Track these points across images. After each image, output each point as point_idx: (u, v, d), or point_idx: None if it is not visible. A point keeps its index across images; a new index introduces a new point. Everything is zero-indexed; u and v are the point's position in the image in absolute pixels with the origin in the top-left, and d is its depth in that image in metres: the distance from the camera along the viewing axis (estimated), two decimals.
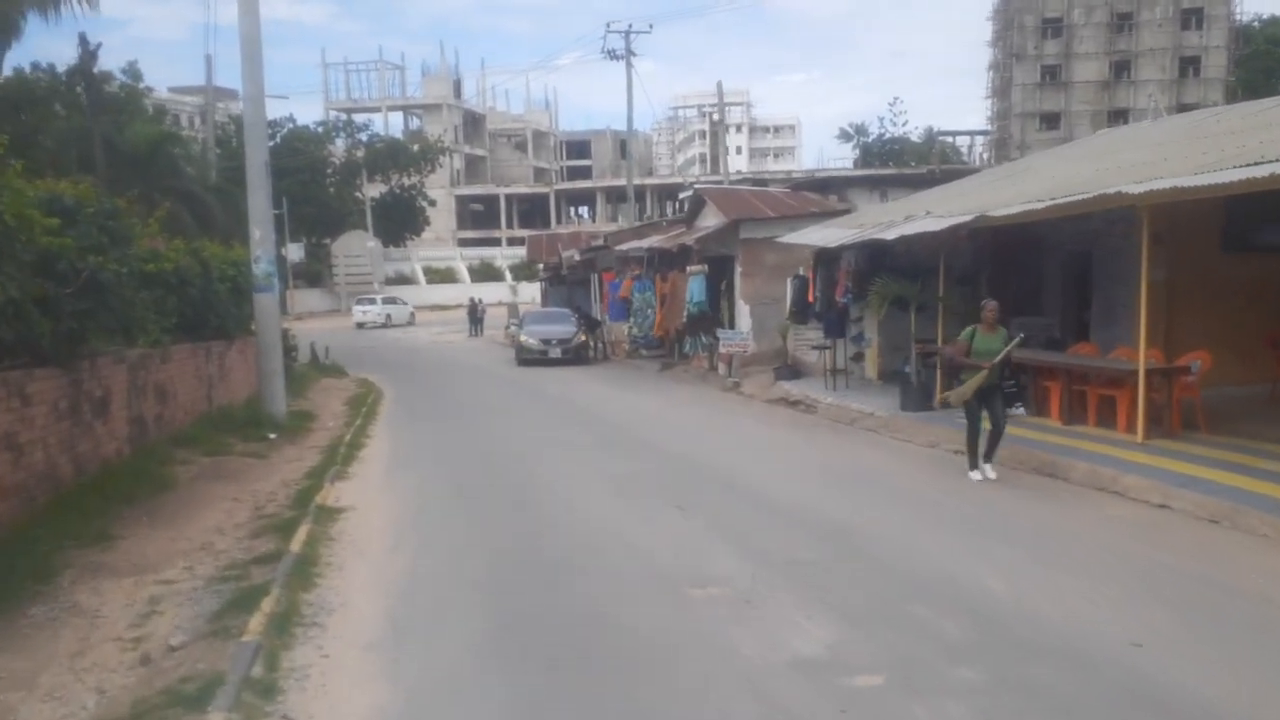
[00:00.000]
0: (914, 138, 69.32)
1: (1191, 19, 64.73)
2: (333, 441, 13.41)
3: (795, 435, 13.50)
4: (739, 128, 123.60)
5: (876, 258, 15.80)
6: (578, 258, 34.55)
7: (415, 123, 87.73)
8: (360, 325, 49.52)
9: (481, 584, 6.73)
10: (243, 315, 16.05)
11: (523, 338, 27.42)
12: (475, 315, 44.00)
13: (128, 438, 10.45)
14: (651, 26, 46.16)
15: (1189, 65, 64.99)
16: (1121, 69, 66.57)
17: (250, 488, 9.96)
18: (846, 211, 20.00)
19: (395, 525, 8.50)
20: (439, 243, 78.25)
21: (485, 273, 71.31)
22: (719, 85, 45.85)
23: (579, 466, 11.16)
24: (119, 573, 6.83)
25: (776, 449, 12.52)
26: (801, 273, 18.17)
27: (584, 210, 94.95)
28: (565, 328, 27.75)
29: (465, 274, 71.04)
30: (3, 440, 7.40)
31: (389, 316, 50.74)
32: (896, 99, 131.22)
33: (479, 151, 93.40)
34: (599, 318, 30.96)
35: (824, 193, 21.92)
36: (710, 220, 22.58)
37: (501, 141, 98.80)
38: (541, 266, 47.08)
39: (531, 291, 57.79)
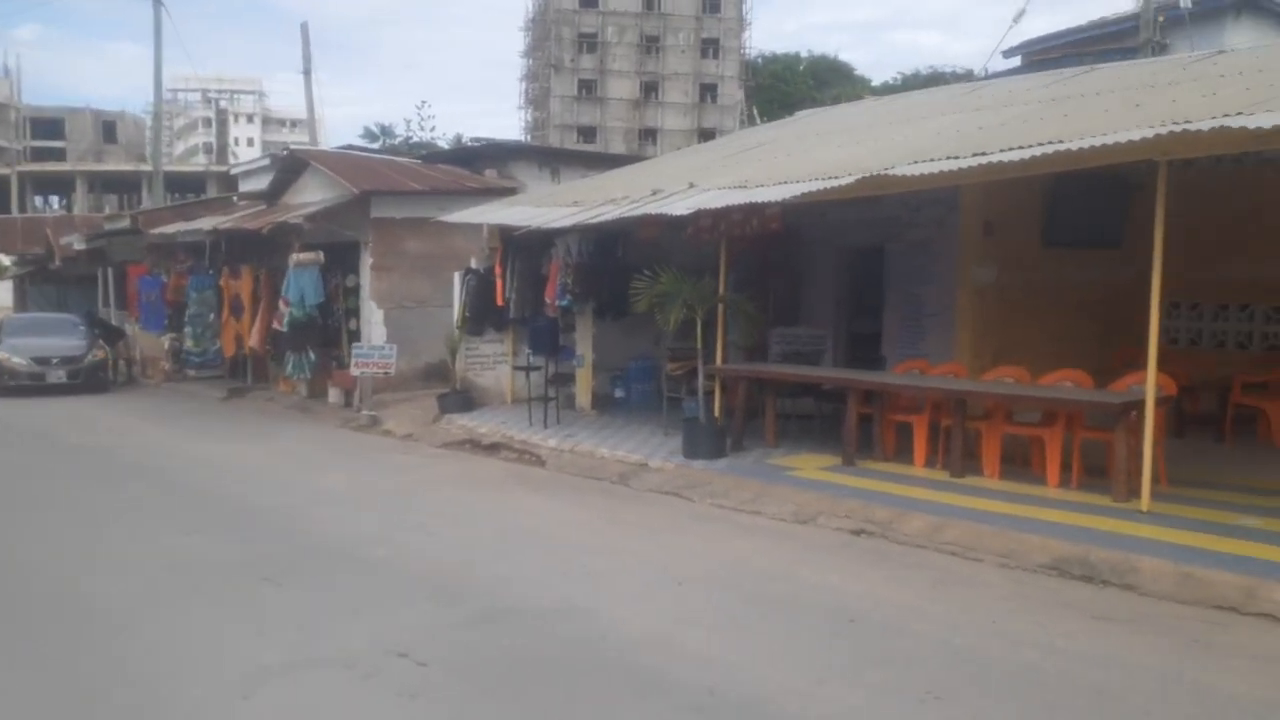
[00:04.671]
0: (443, 144, 65.84)
1: (710, 49, 69.60)
2: None
3: (577, 513, 8.42)
4: (250, 118, 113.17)
5: (607, 248, 11.74)
6: (80, 246, 25.85)
7: None
8: None
9: None
10: None
11: (3, 355, 19.11)
12: None
13: None
14: None
15: (708, 91, 69.77)
16: (650, 89, 69.57)
17: None
18: (514, 190, 15.65)
19: None
20: None
21: None
22: (304, 27, 37.81)
23: (288, 655, 5.43)
24: None
25: (596, 553, 7.14)
26: (475, 265, 13.44)
27: (56, 199, 78.30)
28: (73, 341, 20.11)
29: None
30: None
31: None
32: (424, 103, 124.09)
33: None
34: (121, 326, 23.27)
35: (473, 166, 17.22)
36: (316, 195, 16.72)
37: None
38: (14, 260, 36.04)
39: None
